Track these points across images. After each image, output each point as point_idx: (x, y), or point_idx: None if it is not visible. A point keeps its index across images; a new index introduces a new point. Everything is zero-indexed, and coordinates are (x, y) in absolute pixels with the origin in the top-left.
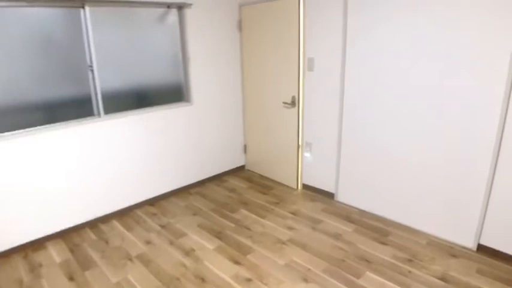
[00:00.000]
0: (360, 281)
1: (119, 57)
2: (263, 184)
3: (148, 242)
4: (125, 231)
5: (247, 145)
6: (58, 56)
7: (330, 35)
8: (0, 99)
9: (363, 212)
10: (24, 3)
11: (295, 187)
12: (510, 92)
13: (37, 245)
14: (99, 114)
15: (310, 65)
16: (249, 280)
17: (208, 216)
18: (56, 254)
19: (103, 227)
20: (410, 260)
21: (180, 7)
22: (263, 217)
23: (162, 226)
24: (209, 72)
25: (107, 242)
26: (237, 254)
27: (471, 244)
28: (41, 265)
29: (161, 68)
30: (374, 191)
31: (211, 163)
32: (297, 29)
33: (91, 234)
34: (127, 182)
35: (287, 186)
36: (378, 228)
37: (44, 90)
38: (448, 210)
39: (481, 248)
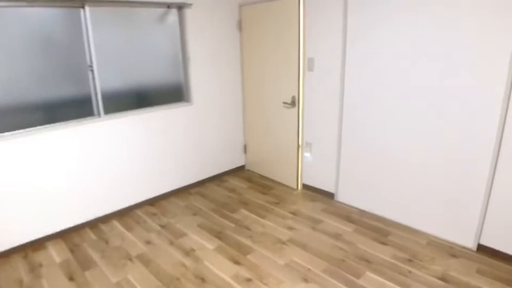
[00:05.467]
0: (360, 281)
1: (119, 57)
2: (263, 184)
3: (148, 242)
4: (125, 231)
5: (247, 145)
6: (58, 56)
7: (330, 35)
8: (0, 99)
9: (363, 212)
10: (24, 3)
11: (295, 187)
12: (510, 92)
13: (37, 245)
14: (99, 114)
15: (310, 65)
16: (249, 280)
17: (208, 216)
18: (56, 254)
19: (103, 227)
20: (410, 260)
21: (180, 7)
22: (263, 217)
23: (162, 226)
24: (209, 72)
25: (107, 242)
26: (237, 254)
27: (471, 244)
28: (41, 265)
29: (161, 68)
30: (374, 191)
31: (211, 163)
32: (297, 29)
33: (91, 234)
34: (127, 182)
35: (287, 186)
36: (378, 228)
37: (44, 90)
38: (448, 210)
39: (481, 248)
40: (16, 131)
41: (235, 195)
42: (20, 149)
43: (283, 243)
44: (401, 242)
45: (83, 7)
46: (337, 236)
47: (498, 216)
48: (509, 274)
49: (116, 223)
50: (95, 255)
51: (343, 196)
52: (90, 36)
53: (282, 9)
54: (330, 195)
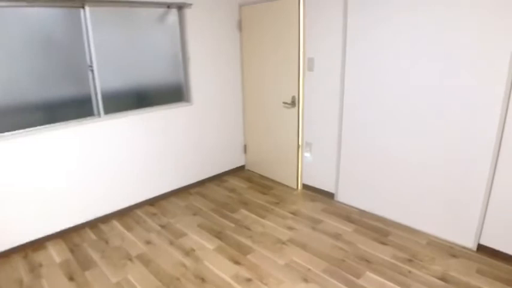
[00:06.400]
0: (360, 281)
1: (119, 57)
2: (263, 184)
3: (148, 242)
4: (125, 231)
5: (247, 145)
6: (58, 56)
7: (330, 35)
8: (0, 99)
9: (363, 212)
10: (24, 3)
11: (295, 187)
12: (510, 92)
13: (37, 245)
14: (99, 114)
15: (310, 65)
16: (249, 280)
17: (208, 216)
18: (56, 254)
19: (103, 227)
20: (410, 260)
21: (180, 7)
22: (263, 217)
23: (162, 226)
24: (209, 72)
25: (107, 242)
26: (237, 254)
27: (471, 244)
28: (41, 265)
29: (161, 68)
30: (374, 191)
31: (211, 163)
32: (297, 29)
33: (91, 234)
34: (127, 182)
35: (287, 186)
36: (378, 228)
37: (44, 90)
38: (448, 210)
39: (481, 248)
40: (16, 131)
41: (235, 195)
42: (20, 149)
43: (283, 243)
44: (401, 242)
45: (83, 7)
46: (337, 236)
47: (498, 216)
48: (509, 274)
49: (116, 223)
50: (95, 255)
51: (343, 196)
52: (90, 36)
53: (282, 9)
54: (330, 195)
